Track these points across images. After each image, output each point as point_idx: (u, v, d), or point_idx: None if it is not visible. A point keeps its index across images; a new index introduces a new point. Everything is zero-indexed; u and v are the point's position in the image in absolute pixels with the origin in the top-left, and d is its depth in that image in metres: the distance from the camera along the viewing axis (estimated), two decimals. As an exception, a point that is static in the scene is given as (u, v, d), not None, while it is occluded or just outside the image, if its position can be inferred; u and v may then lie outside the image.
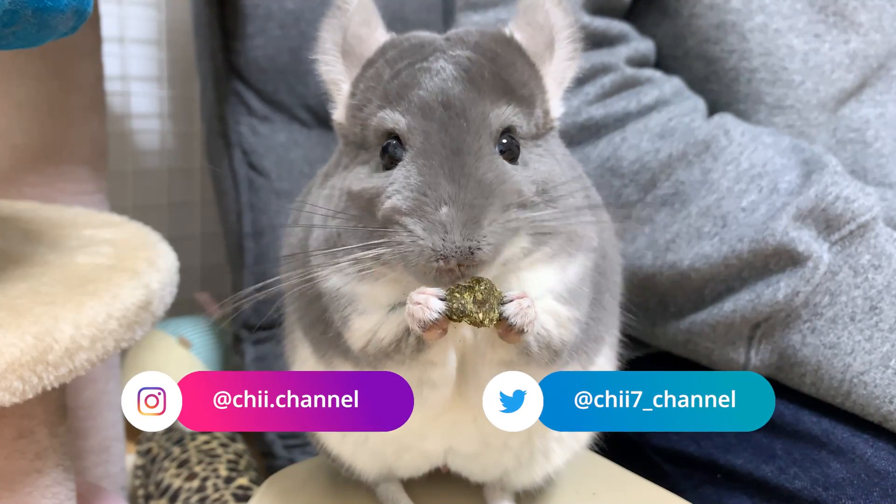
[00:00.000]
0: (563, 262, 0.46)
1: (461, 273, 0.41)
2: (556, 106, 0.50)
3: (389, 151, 0.44)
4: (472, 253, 0.40)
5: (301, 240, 0.52)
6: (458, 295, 0.41)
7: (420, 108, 0.43)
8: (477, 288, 0.42)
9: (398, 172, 0.43)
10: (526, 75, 0.47)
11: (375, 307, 0.46)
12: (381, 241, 0.42)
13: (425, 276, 0.41)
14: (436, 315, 0.41)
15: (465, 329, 0.45)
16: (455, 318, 0.41)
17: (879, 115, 0.82)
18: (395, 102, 0.44)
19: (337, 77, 0.50)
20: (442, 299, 0.42)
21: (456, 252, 0.40)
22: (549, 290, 0.46)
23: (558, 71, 0.50)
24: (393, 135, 0.44)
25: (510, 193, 0.42)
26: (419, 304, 0.41)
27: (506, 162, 0.44)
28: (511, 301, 0.42)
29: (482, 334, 0.45)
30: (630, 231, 0.77)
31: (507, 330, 0.42)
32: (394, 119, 0.44)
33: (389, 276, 0.44)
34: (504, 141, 0.44)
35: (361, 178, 0.45)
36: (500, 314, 0.42)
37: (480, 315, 0.41)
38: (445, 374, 0.47)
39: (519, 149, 0.45)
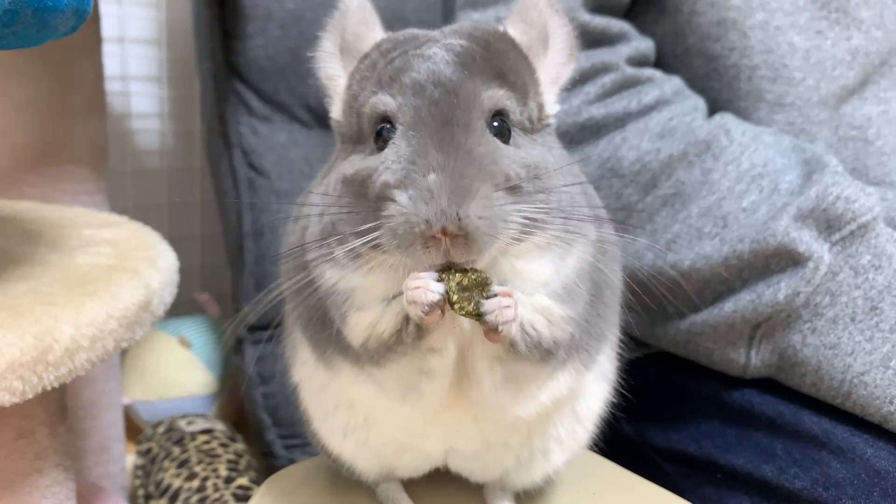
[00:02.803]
0: (559, 252, 0.45)
1: (450, 246, 0.40)
2: (552, 102, 0.50)
3: (383, 135, 0.44)
4: (460, 219, 0.39)
5: (300, 239, 0.52)
6: (449, 276, 0.41)
7: (411, 87, 0.43)
8: (469, 276, 0.41)
9: (389, 149, 0.43)
10: (519, 65, 0.47)
11: (372, 301, 0.46)
12: (374, 223, 0.41)
13: (412, 248, 0.40)
14: (436, 296, 0.41)
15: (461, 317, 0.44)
16: (457, 299, 0.41)
17: (882, 112, 0.81)
18: (388, 86, 0.44)
19: (335, 73, 0.50)
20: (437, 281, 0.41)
21: (441, 216, 0.39)
22: (543, 284, 0.45)
23: (553, 67, 0.50)
24: (385, 119, 0.44)
25: (500, 172, 0.42)
26: (418, 287, 0.41)
27: (497, 140, 0.44)
28: (494, 296, 0.42)
29: (477, 327, 0.44)
30: (630, 231, 0.77)
31: (486, 326, 0.42)
32: (384, 101, 0.44)
33: (385, 264, 0.43)
34: (495, 123, 0.44)
35: (355, 162, 0.46)
36: (478, 307, 0.41)
37: (455, 297, 0.41)
38: (444, 362, 0.46)
39: (510, 133, 0.45)
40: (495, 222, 0.40)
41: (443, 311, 0.42)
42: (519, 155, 0.44)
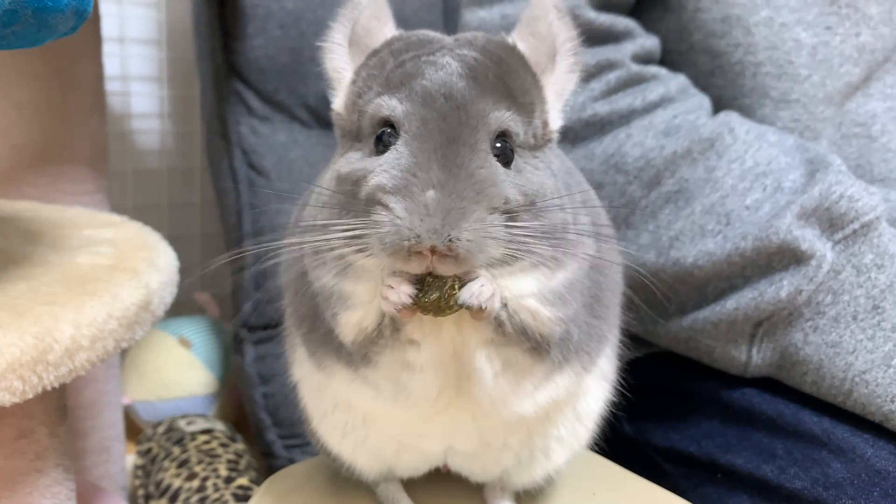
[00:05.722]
0: (547, 272, 0.45)
1: (434, 264, 0.40)
2: (556, 118, 0.49)
3: (383, 139, 0.44)
4: (451, 241, 0.39)
5: (297, 238, 0.52)
6: (426, 289, 0.42)
7: (420, 96, 0.43)
8: (439, 282, 0.42)
9: (389, 154, 0.42)
10: (528, 84, 0.47)
11: (361, 303, 0.46)
12: (361, 222, 0.41)
13: (396, 257, 0.40)
14: (407, 299, 0.42)
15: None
16: (422, 309, 0.42)
17: (888, 108, 0.81)
18: (395, 90, 0.44)
19: (341, 65, 0.50)
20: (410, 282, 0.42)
21: (433, 235, 0.39)
22: (531, 294, 0.45)
23: (559, 83, 0.49)
24: (388, 122, 0.44)
25: (498, 196, 0.42)
26: (392, 287, 0.42)
27: (499, 164, 0.43)
28: (464, 285, 0.42)
29: (464, 319, 0.45)
30: (634, 228, 0.77)
31: (469, 311, 0.43)
32: (390, 105, 0.43)
33: (369, 269, 0.44)
34: (498, 144, 0.44)
35: (352, 161, 0.45)
36: (457, 300, 0.42)
37: (424, 303, 0.42)
38: (423, 355, 0.46)
39: (513, 154, 0.45)
40: (484, 244, 0.41)
41: (414, 310, 0.42)
42: (518, 181, 0.44)
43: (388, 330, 0.46)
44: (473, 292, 0.42)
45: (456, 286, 0.42)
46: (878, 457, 0.63)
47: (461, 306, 0.42)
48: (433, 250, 0.40)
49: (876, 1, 0.79)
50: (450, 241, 0.39)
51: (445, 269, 0.41)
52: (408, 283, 0.42)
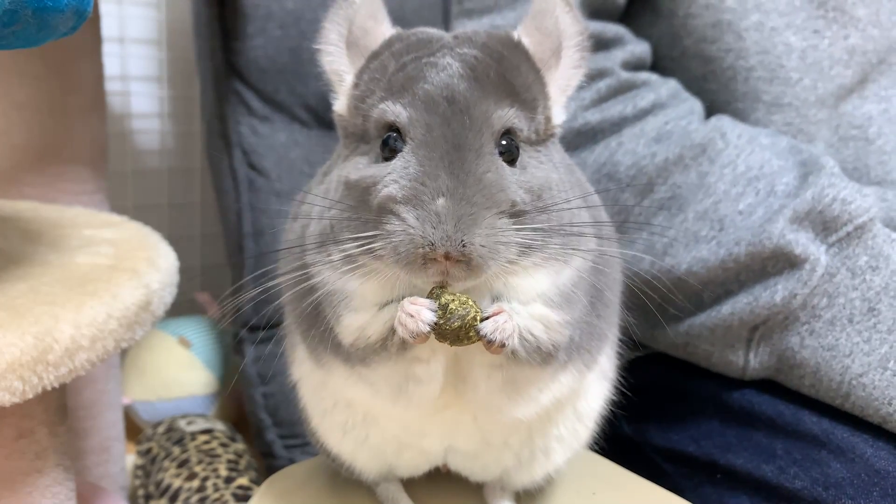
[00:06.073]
0: (557, 266, 0.45)
1: (448, 270, 0.41)
2: (559, 113, 0.49)
3: (390, 144, 0.44)
4: (464, 246, 0.40)
5: (298, 237, 0.52)
6: (447, 314, 0.42)
7: (424, 101, 0.43)
8: (459, 305, 0.42)
9: (397, 163, 0.43)
10: (530, 80, 0.47)
11: (366, 305, 0.46)
12: (374, 233, 0.42)
13: (412, 266, 0.41)
14: (426, 329, 0.42)
15: None
16: (440, 336, 0.42)
17: (883, 111, 0.81)
18: (399, 94, 0.44)
19: (340, 68, 0.50)
20: (432, 310, 0.42)
21: (446, 241, 0.40)
22: (540, 294, 0.46)
23: (563, 78, 0.49)
24: (393, 127, 0.44)
25: (506, 200, 0.42)
26: (412, 315, 0.42)
27: (504, 164, 0.44)
28: (488, 318, 0.42)
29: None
30: (627, 236, 0.77)
31: (488, 344, 0.42)
32: (395, 111, 0.44)
33: (380, 272, 0.44)
34: (504, 142, 0.44)
35: (360, 167, 0.45)
36: (478, 332, 0.42)
37: (443, 330, 0.42)
38: (430, 370, 0.47)
39: (518, 151, 0.45)
40: (497, 249, 0.41)
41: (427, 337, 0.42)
42: (524, 179, 0.44)
43: (394, 348, 0.46)
44: (497, 327, 0.42)
45: (478, 317, 0.42)
46: (878, 457, 0.63)
47: (481, 338, 0.42)
48: (447, 256, 0.40)
49: (863, 3, 0.79)
50: (463, 246, 0.40)
51: (458, 275, 0.41)
52: (429, 310, 0.42)
